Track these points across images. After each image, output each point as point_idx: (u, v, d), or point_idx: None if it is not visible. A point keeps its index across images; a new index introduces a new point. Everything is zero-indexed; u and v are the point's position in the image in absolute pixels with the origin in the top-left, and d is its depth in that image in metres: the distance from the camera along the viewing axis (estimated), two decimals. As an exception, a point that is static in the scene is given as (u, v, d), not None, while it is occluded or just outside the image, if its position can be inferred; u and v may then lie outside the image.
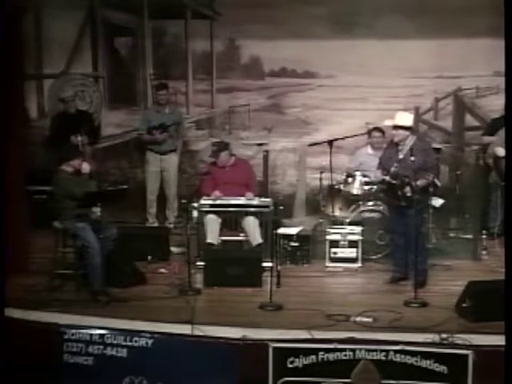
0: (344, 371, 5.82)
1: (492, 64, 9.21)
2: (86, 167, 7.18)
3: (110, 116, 10.22)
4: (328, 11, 9.53)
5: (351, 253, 7.98)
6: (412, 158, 6.93)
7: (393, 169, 7.14)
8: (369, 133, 8.73)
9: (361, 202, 8.39)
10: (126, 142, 10.13)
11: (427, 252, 7.43)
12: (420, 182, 7.02)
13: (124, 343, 6.08)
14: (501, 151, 8.30)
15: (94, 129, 9.39)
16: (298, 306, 6.73)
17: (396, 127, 7.15)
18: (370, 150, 8.69)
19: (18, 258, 7.36)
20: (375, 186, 8.26)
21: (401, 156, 7.12)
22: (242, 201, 8.02)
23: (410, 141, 7.17)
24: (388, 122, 7.29)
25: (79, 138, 8.70)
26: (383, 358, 5.81)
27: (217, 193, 8.14)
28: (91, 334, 6.13)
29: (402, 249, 7.31)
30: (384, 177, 7.20)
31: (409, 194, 6.96)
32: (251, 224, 7.94)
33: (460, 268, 7.88)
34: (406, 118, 7.21)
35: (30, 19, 9.68)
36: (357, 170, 8.48)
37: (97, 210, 7.00)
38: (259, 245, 7.88)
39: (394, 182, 7.07)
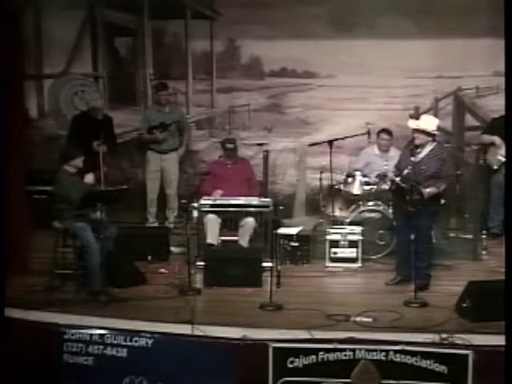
0: (344, 371, 5.83)
1: (492, 64, 9.20)
2: (90, 178, 7.18)
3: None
4: (328, 11, 9.52)
5: (351, 253, 7.98)
6: (426, 164, 6.91)
7: (406, 171, 7.07)
8: (377, 134, 8.69)
9: (361, 202, 8.40)
10: (126, 141, 10.12)
11: (431, 256, 7.38)
12: (430, 190, 6.94)
13: (124, 343, 6.08)
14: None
15: (113, 136, 9.27)
16: (298, 305, 6.73)
17: (418, 130, 7.08)
18: (376, 150, 8.69)
19: (18, 257, 7.35)
20: (375, 186, 8.28)
21: (417, 160, 7.02)
22: (241, 201, 8.03)
23: (430, 146, 7.09)
24: (412, 124, 7.18)
25: (100, 147, 8.61)
26: (383, 358, 5.81)
27: (218, 191, 8.16)
28: (91, 334, 6.13)
29: (406, 251, 7.27)
30: (394, 178, 7.15)
31: (417, 201, 6.85)
32: (246, 225, 7.97)
33: (460, 268, 7.88)
34: (431, 123, 7.11)
35: (29, 19, 9.69)
36: (359, 170, 8.49)
37: (97, 213, 6.98)
38: (243, 248, 7.92)
39: (403, 185, 7.00)
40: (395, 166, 7.42)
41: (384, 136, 8.59)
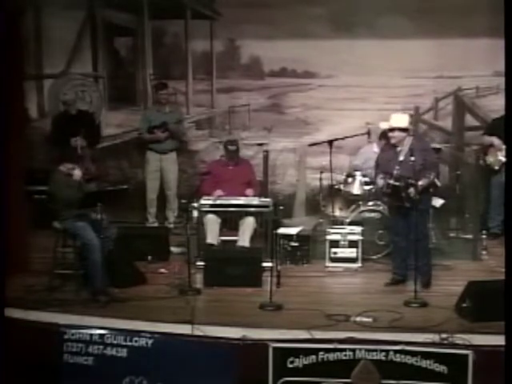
0: (344, 371, 5.82)
1: (492, 64, 9.21)
2: (77, 173, 7.17)
3: (110, 116, 10.21)
4: (328, 11, 9.52)
5: (351, 253, 7.98)
6: (412, 159, 6.91)
7: (395, 171, 7.10)
8: (389, 131, 8.61)
9: (361, 202, 8.40)
10: (126, 141, 10.13)
11: (430, 253, 7.40)
12: (422, 182, 6.99)
13: (124, 343, 6.08)
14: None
15: (94, 130, 9.34)
16: (298, 305, 6.73)
17: (392, 129, 7.13)
18: (375, 148, 8.69)
19: (18, 257, 7.36)
20: (374, 186, 8.27)
21: (401, 158, 7.08)
22: (242, 201, 8.03)
23: (408, 142, 7.14)
24: (384, 125, 7.27)
25: (78, 142, 8.65)
26: (383, 358, 5.81)
27: (219, 192, 8.17)
28: (91, 334, 6.13)
29: (403, 251, 7.28)
30: (389, 181, 7.12)
31: (413, 195, 6.92)
32: (245, 224, 7.97)
33: (460, 268, 7.88)
34: (402, 120, 7.17)
35: (29, 19, 9.69)
36: (358, 170, 8.50)
37: (97, 213, 6.97)
38: (243, 247, 7.91)
39: (397, 184, 7.01)
40: (376, 169, 7.39)
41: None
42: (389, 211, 7.73)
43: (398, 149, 7.14)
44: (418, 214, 6.97)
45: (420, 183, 6.97)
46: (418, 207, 6.94)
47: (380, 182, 7.28)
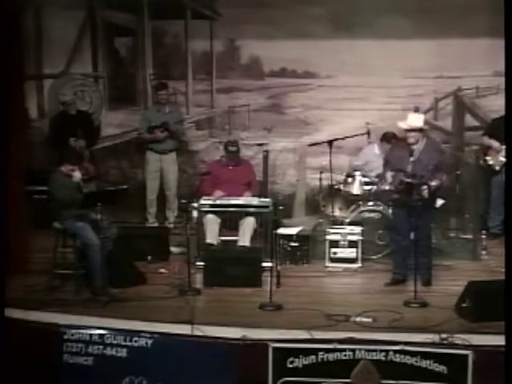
0: (344, 371, 5.83)
1: (492, 64, 9.21)
2: (77, 175, 7.18)
3: (110, 116, 10.22)
4: (328, 11, 9.53)
5: (351, 253, 7.98)
6: (426, 158, 6.99)
7: (408, 169, 7.11)
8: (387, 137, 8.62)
9: (361, 202, 8.40)
10: (126, 141, 10.13)
11: (432, 252, 7.43)
12: (435, 183, 7.05)
13: (124, 343, 6.08)
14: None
15: (93, 131, 9.36)
16: (298, 305, 6.73)
17: (410, 129, 7.16)
18: (376, 149, 8.69)
19: (18, 257, 7.35)
20: (375, 186, 8.26)
21: (415, 157, 7.11)
22: (241, 201, 8.03)
23: (423, 141, 7.18)
24: (402, 125, 7.25)
25: (77, 142, 8.67)
26: (383, 358, 5.81)
27: (219, 192, 8.16)
28: (91, 334, 6.13)
29: (404, 250, 7.28)
30: (402, 178, 7.12)
31: (425, 194, 6.94)
32: (245, 224, 7.97)
33: (460, 268, 7.88)
34: (418, 119, 7.22)
35: (29, 19, 9.70)
36: (358, 170, 8.49)
37: (97, 213, 6.98)
38: (243, 247, 7.90)
39: (412, 181, 7.02)
40: (386, 167, 7.40)
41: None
42: (393, 210, 7.71)
43: (414, 147, 7.15)
44: (423, 213, 6.97)
45: (432, 183, 7.02)
46: (423, 207, 6.94)
47: (389, 179, 7.29)
